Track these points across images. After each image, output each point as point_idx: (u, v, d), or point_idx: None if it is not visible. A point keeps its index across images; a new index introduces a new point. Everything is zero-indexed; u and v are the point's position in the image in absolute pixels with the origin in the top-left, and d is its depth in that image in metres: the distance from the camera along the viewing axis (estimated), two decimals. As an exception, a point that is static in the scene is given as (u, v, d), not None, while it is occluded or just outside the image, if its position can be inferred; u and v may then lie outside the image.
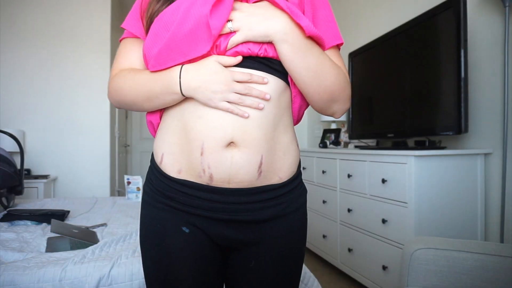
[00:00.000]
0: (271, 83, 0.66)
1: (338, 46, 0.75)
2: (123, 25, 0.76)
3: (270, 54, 0.65)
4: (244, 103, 0.63)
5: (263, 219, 0.70)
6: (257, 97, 0.64)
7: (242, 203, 0.68)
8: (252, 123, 0.64)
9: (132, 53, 0.75)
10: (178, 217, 0.69)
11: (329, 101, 0.70)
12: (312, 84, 0.67)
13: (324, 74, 0.66)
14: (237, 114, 0.63)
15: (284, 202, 0.72)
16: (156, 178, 0.71)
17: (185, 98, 0.67)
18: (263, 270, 0.73)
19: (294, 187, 0.74)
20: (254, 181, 0.67)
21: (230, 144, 0.65)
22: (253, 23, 0.62)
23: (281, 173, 0.71)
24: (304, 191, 0.77)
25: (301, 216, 0.76)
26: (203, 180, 0.67)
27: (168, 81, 0.64)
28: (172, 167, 0.69)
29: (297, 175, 0.75)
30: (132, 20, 0.75)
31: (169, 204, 0.69)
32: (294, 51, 0.63)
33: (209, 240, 0.71)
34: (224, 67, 0.63)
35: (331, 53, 0.73)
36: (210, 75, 0.62)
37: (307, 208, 0.80)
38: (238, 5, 0.63)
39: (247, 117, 0.64)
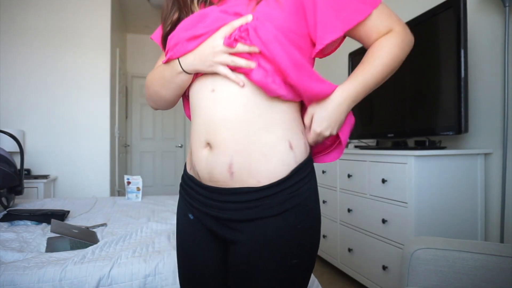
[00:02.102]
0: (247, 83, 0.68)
1: (372, 10, 0.71)
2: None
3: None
4: (237, 63, 0.65)
5: (238, 219, 0.70)
6: (247, 52, 0.65)
7: (221, 201, 0.71)
8: (223, 124, 0.68)
9: (160, 62, 0.82)
10: (186, 206, 0.79)
11: (407, 54, 0.74)
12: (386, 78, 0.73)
13: (389, 69, 0.71)
14: (233, 81, 0.67)
15: (261, 205, 0.68)
16: (183, 172, 0.82)
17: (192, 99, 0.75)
18: (236, 270, 0.72)
19: (279, 191, 0.68)
20: (229, 182, 0.69)
21: (207, 145, 0.71)
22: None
23: (259, 176, 0.67)
24: (295, 196, 0.69)
25: (286, 222, 0.68)
26: (197, 177, 0.75)
27: (172, 64, 0.72)
28: (188, 164, 0.80)
29: (286, 179, 0.68)
30: (158, 29, 0.82)
31: (183, 195, 0.80)
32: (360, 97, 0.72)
33: (207, 230, 0.76)
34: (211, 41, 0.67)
35: (371, 22, 0.71)
36: (200, 47, 0.68)
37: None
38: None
39: (242, 86, 0.67)
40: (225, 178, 0.69)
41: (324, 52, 0.75)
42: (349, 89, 0.70)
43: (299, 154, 0.70)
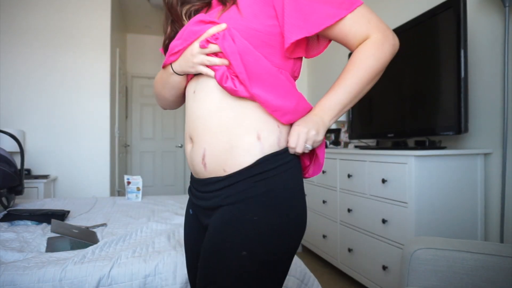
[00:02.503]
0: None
1: (346, 14, 0.71)
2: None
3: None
4: (212, 62, 0.72)
5: (209, 207, 0.76)
6: (216, 52, 0.71)
7: (201, 191, 0.78)
8: (199, 121, 0.75)
9: None
10: (189, 202, 0.87)
11: (387, 63, 0.75)
12: (368, 88, 0.77)
13: (365, 83, 0.74)
14: (213, 77, 0.73)
15: (223, 193, 0.72)
16: None
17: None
18: (202, 256, 0.73)
19: (240, 180, 0.70)
20: (204, 173, 0.75)
21: (191, 140, 0.79)
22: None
23: (227, 167, 0.72)
24: (256, 186, 0.70)
25: (240, 211, 0.69)
26: None
27: (167, 68, 0.82)
28: None
29: (248, 168, 0.70)
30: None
31: (189, 192, 0.87)
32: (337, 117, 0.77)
33: (201, 223, 0.82)
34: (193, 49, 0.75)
35: (345, 27, 0.72)
36: (184, 52, 0.77)
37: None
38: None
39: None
40: (201, 169, 0.75)
41: (310, 53, 0.80)
42: (323, 105, 0.74)
43: (267, 146, 0.71)
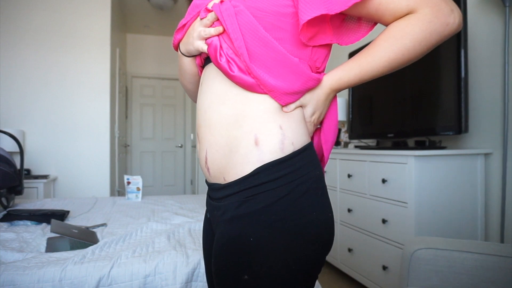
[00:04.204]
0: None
1: None
2: None
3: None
4: (208, 32, 0.65)
5: (214, 218, 0.70)
6: (213, 21, 0.65)
7: (209, 196, 0.72)
8: (201, 117, 0.68)
9: None
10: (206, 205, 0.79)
11: (432, 47, 0.60)
12: (400, 63, 0.61)
13: (396, 64, 0.61)
14: (208, 53, 0.66)
15: (223, 206, 0.64)
16: None
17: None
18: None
19: (237, 192, 0.61)
20: (209, 177, 0.69)
21: (198, 136, 0.71)
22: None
23: (225, 174, 0.63)
24: (251, 200, 0.60)
25: (236, 231, 0.60)
26: None
27: (178, 52, 0.77)
28: None
29: (244, 179, 0.61)
30: None
31: None
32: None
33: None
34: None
35: (378, 2, 0.59)
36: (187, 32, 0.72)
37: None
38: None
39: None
40: (206, 173, 0.69)
41: (346, 39, 0.66)
42: (333, 80, 0.64)
43: (266, 152, 0.60)
